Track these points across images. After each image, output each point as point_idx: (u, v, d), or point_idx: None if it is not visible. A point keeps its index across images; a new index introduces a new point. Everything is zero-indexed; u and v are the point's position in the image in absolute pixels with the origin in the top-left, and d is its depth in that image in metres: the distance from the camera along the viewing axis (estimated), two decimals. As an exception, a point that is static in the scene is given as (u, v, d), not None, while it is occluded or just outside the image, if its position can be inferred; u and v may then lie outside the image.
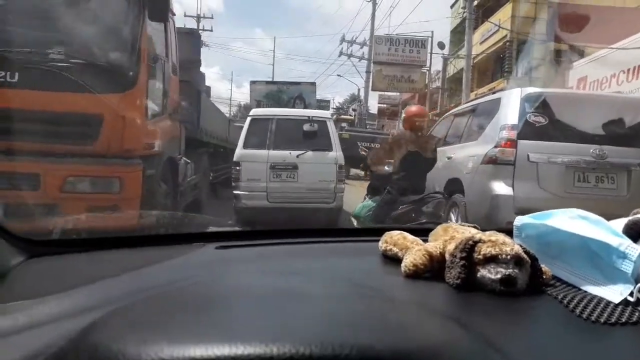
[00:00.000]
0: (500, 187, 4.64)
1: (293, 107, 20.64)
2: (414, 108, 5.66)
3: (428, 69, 24.35)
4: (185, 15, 42.08)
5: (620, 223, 0.92)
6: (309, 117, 7.56)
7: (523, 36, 20.21)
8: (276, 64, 55.52)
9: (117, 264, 1.03)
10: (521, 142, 4.61)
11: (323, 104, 47.02)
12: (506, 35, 20.25)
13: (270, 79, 32.63)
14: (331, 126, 7.48)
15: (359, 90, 33.09)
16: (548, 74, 20.91)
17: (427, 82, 24.25)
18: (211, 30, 39.71)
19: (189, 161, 6.88)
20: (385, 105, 35.73)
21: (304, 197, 7.07)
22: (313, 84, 25.24)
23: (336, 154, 7.19)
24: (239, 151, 7.07)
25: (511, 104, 4.89)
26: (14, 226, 1.06)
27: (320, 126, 7.34)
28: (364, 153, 6.63)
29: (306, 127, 7.35)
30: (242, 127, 7.89)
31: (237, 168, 7.01)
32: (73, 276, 0.96)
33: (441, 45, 25.00)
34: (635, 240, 0.83)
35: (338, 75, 38.37)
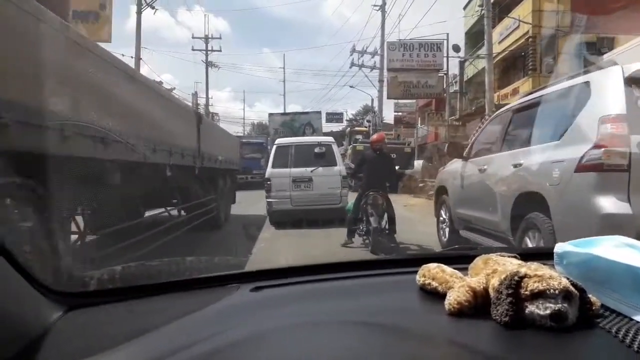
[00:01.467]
0: (611, 204, 3.21)
1: (304, 132, 26.23)
2: (375, 136, 8.19)
3: (445, 72, 22.74)
4: (193, 37, 41.57)
5: None
6: (318, 142, 10.59)
7: (546, 30, 18.64)
8: (287, 81, 55.20)
9: (155, 313, 1.03)
10: (635, 138, 3.10)
11: (336, 117, 47.29)
12: (527, 32, 18.82)
13: (284, 111, 39.22)
14: (335, 148, 10.31)
15: (372, 100, 31.95)
16: (576, 69, 19.03)
17: (445, 86, 22.62)
18: (220, 51, 38.86)
19: None
20: (401, 114, 34.23)
21: (318, 201, 9.71)
22: (318, 112, 31.66)
23: (340, 167, 10.08)
24: (270, 170, 10.00)
25: (610, 87, 3.46)
26: (50, 279, 1.04)
27: (327, 148, 10.21)
28: (350, 167, 9.40)
29: (317, 149, 10.19)
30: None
31: (269, 182, 9.83)
32: (111, 330, 0.96)
33: (456, 48, 23.76)
34: None
35: (350, 86, 37.20)
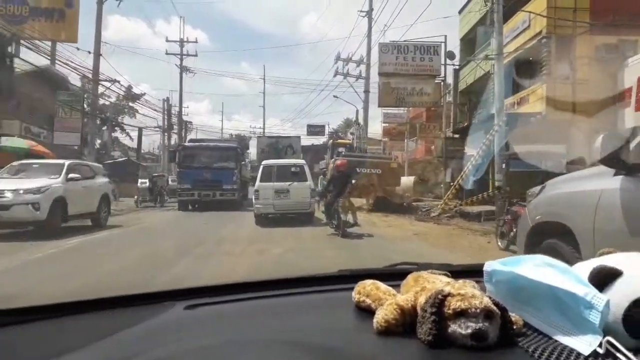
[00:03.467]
0: None
1: (285, 153, 30.17)
2: (338, 162, 13.11)
3: (443, 79, 20.05)
4: (167, 40, 38.84)
5: (586, 267, 0.94)
6: (294, 164, 15.43)
7: (563, 30, 16.04)
8: (267, 94, 54.12)
9: (83, 331, 1.05)
10: None
11: (318, 130, 47.07)
12: (540, 32, 16.17)
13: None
14: (306, 168, 14.86)
15: (357, 112, 30.52)
16: (596, 74, 16.77)
17: (442, 94, 19.90)
18: (195, 55, 36.35)
19: None
20: (391, 125, 31.44)
21: (293, 207, 14.12)
22: (298, 137, 36.51)
23: (309, 182, 14.48)
24: (258, 184, 14.18)
25: None
26: None
27: (300, 168, 14.71)
28: (323, 184, 14.40)
29: (293, 169, 14.71)
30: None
31: (257, 192, 14.06)
32: (36, 349, 0.98)
33: (451, 55, 21.48)
34: (601, 289, 0.87)
35: (335, 96, 34.57)
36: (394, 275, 1.24)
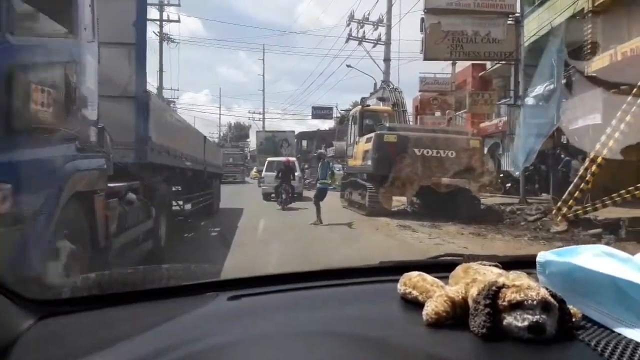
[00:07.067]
0: None
1: (281, 147, 38.89)
2: (284, 159, 21.22)
3: (519, 16, 13.26)
4: (148, 4, 31.34)
5: None
6: (289, 160, 21.58)
7: None
8: (266, 83, 55.32)
9: (128, 321, 1.07)
10: None
11: (324, 112, 44.23)
12: None
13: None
14: (296, 162, 23.09)
15: (375, 85, 26.00)
16: None
17: (521, 42, 13.07)
18: (178, 21, 31.16)
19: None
20: (432, 94, 24.40)
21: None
22: (292, 131, 43.70)
23: (298, 172, 21.48)
24: (264, 173, 22.90)
25: None
26: (22, 287, 1.09)
27: (292, 163, 20.17)
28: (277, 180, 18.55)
29: (287, 164, 20.36)
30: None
31: (262, 178, 23.95)
32: (83, 339, 1.00)
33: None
34: None
35: (348, 65, 27.75)
36: (437, 267, 1.23)
